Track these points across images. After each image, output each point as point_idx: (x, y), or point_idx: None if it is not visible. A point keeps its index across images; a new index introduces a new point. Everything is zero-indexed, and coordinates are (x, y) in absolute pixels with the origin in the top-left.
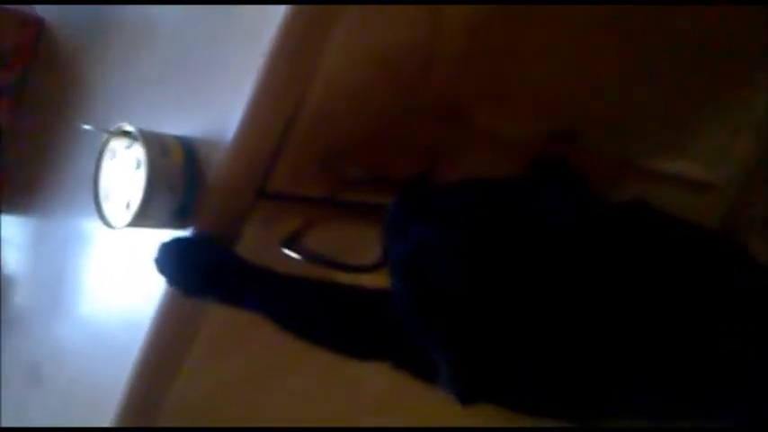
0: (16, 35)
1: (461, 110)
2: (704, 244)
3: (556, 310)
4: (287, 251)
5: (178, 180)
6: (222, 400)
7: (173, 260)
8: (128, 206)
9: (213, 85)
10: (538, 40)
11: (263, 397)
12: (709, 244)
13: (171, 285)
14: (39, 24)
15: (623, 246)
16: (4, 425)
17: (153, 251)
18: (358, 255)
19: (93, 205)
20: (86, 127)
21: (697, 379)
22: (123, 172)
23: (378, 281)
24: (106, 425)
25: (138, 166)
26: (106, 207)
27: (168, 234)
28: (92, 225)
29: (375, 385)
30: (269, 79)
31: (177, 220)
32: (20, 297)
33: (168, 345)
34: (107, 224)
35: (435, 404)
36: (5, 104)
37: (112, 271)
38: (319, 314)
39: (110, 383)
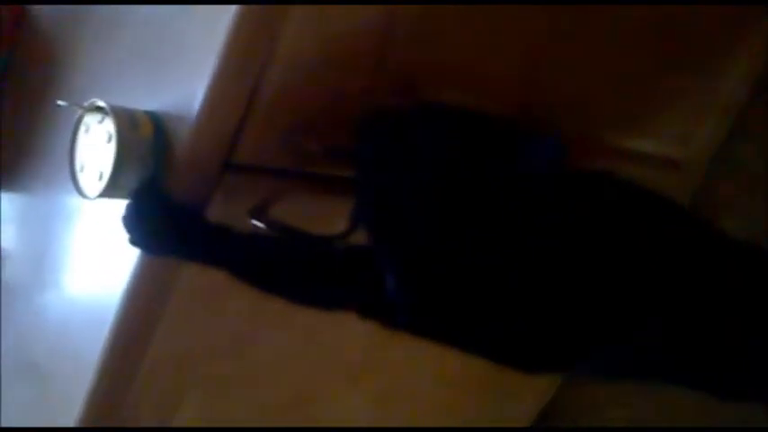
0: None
1: (418, 86)
2: (670, 214)
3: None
4: (254, 221)
5: (147, 152)
6: (193, 368)
7: (137, 215)
8: (100, 177)
9: (180, 64)
10: (493, 20)
11: (235, 366)
12: (673, 214)
13: (133, 244)
14: (20, 11)
15: (594, 215)
16: None
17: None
18: (324, 225)
19: (70, 176)
20: (61, 103)
21: (664, 343)
22: (96, 145)
23: None
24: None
25: (110, 139)
26: (81, 178)
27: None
28: (75, 199)
29: (352, 351)
30: (229, 58)
31: None
32: (9, 271)
33: (140, 308)
34: (82, 194)
35: (409, 371)
36: None
37: (94, 243)
38: (278, 263)
39: (91, 348)
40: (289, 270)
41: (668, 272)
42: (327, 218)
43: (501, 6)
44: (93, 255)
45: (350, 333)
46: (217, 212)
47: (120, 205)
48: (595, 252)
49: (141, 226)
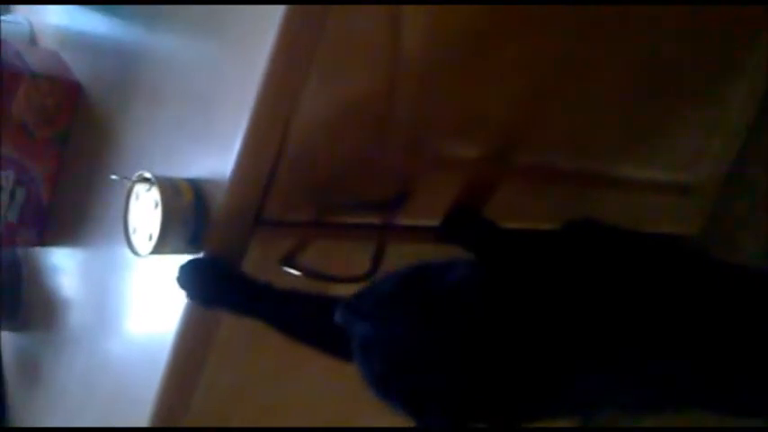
0: (56, 96)
1: (425, 140)
2: (651, 250)
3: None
4: (286, 268)
5: (189, 215)
6: (239, 400)
7: (189, 278)
8: (150, 238)
9: (215, 135)
10: (491, 69)
11: (276, 396)
12: (657, 249)
13: (190, 299)
14: (76, 86)
15: (569, 268)
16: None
17: (173, 272)
18: (348, 268)
19: (124, 238)
20: (114, 177)
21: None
22: (146, 211)
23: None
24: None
25: (156, 205)
26: (134, 239)
27: (185, 258)
28: (128, 254)
29: None
30: (254, 127)
31: (191, 247)
32: (73, 319)
33: (190, 349)
34: (135, 252)
35: None
36: (53, 154)
37: (146, 292)
38: (312, 321)
39: (148, 387)
40: (323, 330)
41: (660, 306)
42: (348, 259)
43: (501, 50)
44: (145, 303)
45: None
46: (251, 264)
47: (168, 261)
48: (599, 303)
49: (195, 286)
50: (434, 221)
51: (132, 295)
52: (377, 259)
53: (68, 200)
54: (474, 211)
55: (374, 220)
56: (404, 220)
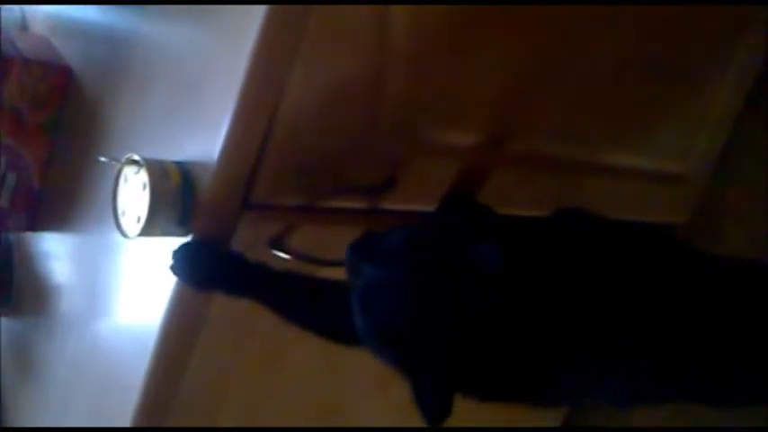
0: (48, 82)
1: (414, 125)
2: (638, 241)
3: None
4: (274, 251)
5: (177, 197)
6: (228, 383)
7: (184, 261)
8: (138, 220)
9: (203, 119)
10: (481, 55)
11: (264, 380)
12: (640, 240)
13: (184, 282)
14: (67, 72)
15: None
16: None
17: (166, 258)
18: (335, 251)
19: (113, 220)
20: (103, 159)
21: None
22: (134, 193)
23: None
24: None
25: (145, 187)
26: (123, 221)
27: (175, 241)
28: (118, 237)
29: (371, 365)
30: (241, 111)
31: (179, 230)
32: (65, 304)
33: (178, 333)
34: (124, 235)
35: None
36: (44, 139)
37: (136, 276)
38: (304, 302)
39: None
40: (315, 311)
41: (646, 295)
42: (336, 243)
43: (491, 36)
44: (135, 286)
45: None
46: (240, 245)
47: (157, 244)
48: (583, 288)
49: (189, 268)
50: (423, 207)
51: (122, 279)
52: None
53: (59, 185)
54: (470, 196)
55: (362, 204)
56: (392, 205)
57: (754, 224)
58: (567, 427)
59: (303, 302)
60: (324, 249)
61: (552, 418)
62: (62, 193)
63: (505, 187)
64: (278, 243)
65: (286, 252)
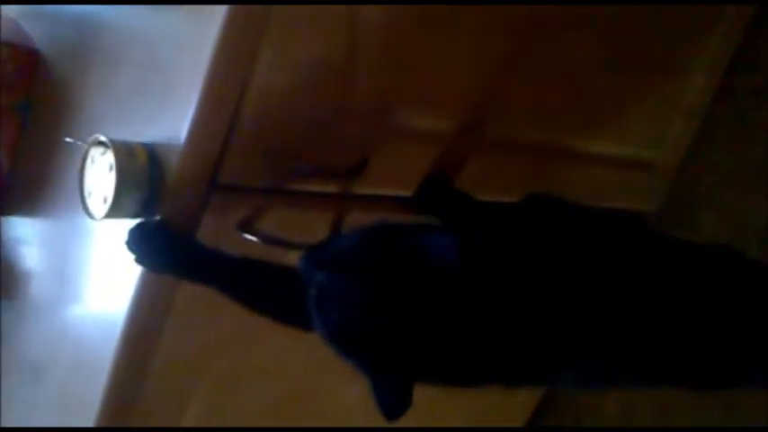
0: (16, 63)
1: (386, 109)
2: (609, 226)
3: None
4: (243, 234)
5: (143, 178)
6: (197, 367)
7: (137, 241)
8: (105, 201)
9: (170, 100)
10: (455, 41)
11: (234, 364)
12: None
13: (137, 263)
14: (35, 54)
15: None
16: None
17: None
18: (306, 236)
19: (80, 201)
20: (68, 140)
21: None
22: (101, 174)
23: None
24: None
25: (111, 168)
26: (89, 203)
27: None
28: (87, 221)
29: None
30: (209, 92)
31: (146, 212)
32: (34, 289)
33: (146, 316)
34: (90, 216)
35: None
36: (13, 122)
37: (104, 260)
38: (262, 288)
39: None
40: (271, 297)
41: (627, 280)
42: (307, 226)
43: (464, 23)
44: (104, 271)
45: None
46: (207, 229)
47: (124, 226)
48: (562, 271)
49: (142, 250)
50: (396, 191)
51: (90, 263)
52: (336, 228)
53: (29, 168)
54: (447, 181)
55: (334, 188)
56: (364, 189)
57: (728, 211)
58: (565, 427)
59: (260, 289)
60: (294, 233)
61: (524, 401)
62: (31, 177)
63: (478, 173)
64: (247, 226)
65: (255, 235)
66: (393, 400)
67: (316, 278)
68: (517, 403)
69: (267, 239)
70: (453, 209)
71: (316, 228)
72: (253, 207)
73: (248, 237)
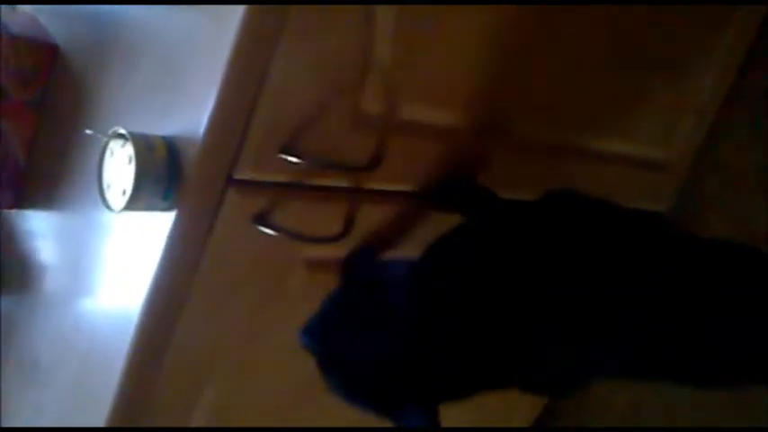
0: (34, 59)
1: (400, 106)
2: (628, 222)
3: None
4: (259, 227)
5: (162, 170)
6: (212, 359)
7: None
8: (123, 193)
9: (189, 94)
10: (467, 36)
11: (249, 354)
12: (626, 221)
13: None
14: (53, 49)
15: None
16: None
17: (149, 236)
18: (320, 229)
19: (98, 193)
20: (89, 132)
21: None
22: (120, 166)
23: (339, 250)
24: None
25: (130, 161)
26: (108, 195)
27: (158, 217)
28: (104, 214)
29: None
30: (227, 88)
31: (164, 204)
32: (49, 283)
33: (161, 309)
34: (109, 208)
35: None
36: (29, 117)
37: (119, 253)
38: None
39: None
40: None
41: (640, 276)
42: (321, 220)
43: (475, 23)
44: (119, 264)
45: None
46: (225, 221)
47: (140, 220)
48: (579, 268)
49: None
50: (410, 187)
51: (105, 256)
52: (348, 221)
53: (44, 162)
54: (472, 178)
55: (347, 183)
56: (378, 185)
57: (737, 212)
58: (564, 427)
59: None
60: (308, 227)
61: (529, 408)
62: (48, 171)
63: (490, 171)
64: (262, 218)
65: (270, 228)
66: (426, 427)
67: (311, 349)
68: (525, 401)
69: (282, 232)
70: (477, 205)
71: (329, 221)
72: (268, 200)
73: (264, 230)
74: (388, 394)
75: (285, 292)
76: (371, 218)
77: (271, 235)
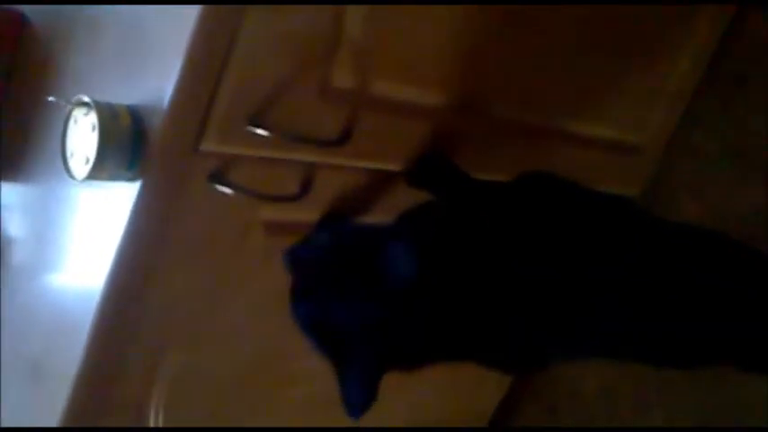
0: (1, 26)
1: (369, 82)
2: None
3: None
4: (215, 185)
5: (126, 140)
6: (177, 321)
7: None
8: (87, 161)
9: (154, 63)
10: (442, 18)
11: (213, 318)
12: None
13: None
14: (18, 18)
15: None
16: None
17: (112, 207)
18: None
19: (61, 162)
20: (51, 99)
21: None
22: (83, 134)
23: (297, 213)
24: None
25: (94, 129)
26: (71, 163)
27: (121, 187)
28: (69, 186)
29: None
30: (192, 57)
31: (128, 173)
32: (16, 256)
33: (126, 279)
34: (72, 177)
35: None
36: None
37: (85, 224)
38: None
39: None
40: None
41: (611, 256)
42: (281, 183)
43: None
44: (84, 236)
45: None
46: (193, 191)
47: (104, 191)
48: (555, 249)
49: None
50: (380, 165)
51: (71, 228)
52: (306, 183)
53: (11, 132)
54: (446, 158)
55: (315, 158)
56: (347, 161)
57: (709, 197)
58: (564, 427)
59: None
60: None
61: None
62: (15, 141)
63: (463, 152)
64: (218, 177)
65: (227, 186)
66: (359, 394)
67: (292, 273)
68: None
69: (239, 190)
70: (450, 185)
71: (288, 183)
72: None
73: (220, 188)
74: (345, 344)
75: (244, 255)
76: (331, 182)
77: (227, 194)
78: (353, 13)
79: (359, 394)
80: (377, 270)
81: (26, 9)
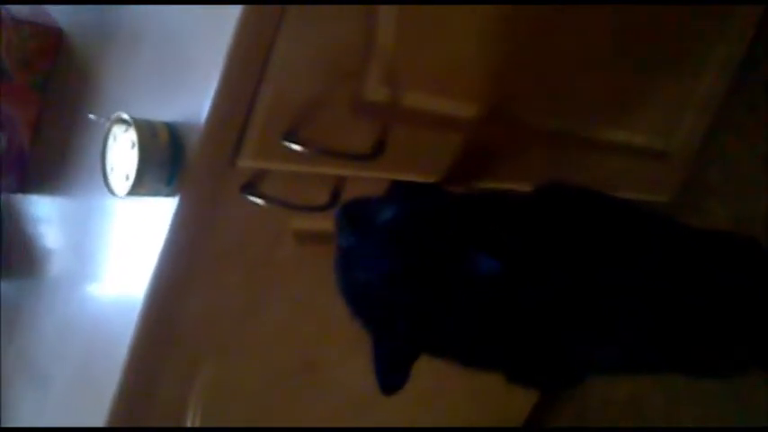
0: (38, 43)
1: (402, 94)
2: (623, 213)
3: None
4: (247, 196)
5: (165, 156)
6: (213, 331)
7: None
8: (127, 178)
9: (191, 79)
10: (473, 25)
11: (247, 326)
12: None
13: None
14: (57, 33)
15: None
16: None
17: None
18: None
19: (102, 178)
20: (92, 116)
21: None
22: (123, 151)
23: (327, 223)
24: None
25: (133, 146)
26: (111, 179)
27: (161, 202)
28: (108, 199)
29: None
30: (229, 73)
31: (167, 189)
32: (55, 268)
33: (166, 289)
34: (112, 193)
35: None
36: (34, 101)
37: (123, 238)
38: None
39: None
40: None
41: (629, 263)
42: (311, 193)
43: (480, 10)
44: (123, 249)
45: None
46: (229, 206)
47: (143, 205)
48: (576, 263)
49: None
50: (413, 177)
51: (109, 241)
52: (336, 193)
53: (49, 146)
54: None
55: (349, 171)
56: (381, 174)
57: (738, 203)
58: (564, 427)
59: None
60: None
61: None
62: (52, 155)
63: (494, 161)
64: (250, 188)
65: (259, 197)
66: (392, 372)
67: (348, 235)
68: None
69: (271, 200)
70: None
71: (317, 193)
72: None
73: (252, 198)
74: (385, 321)
75: (275, 264)
76: (360, 191)
77: (259, 204)
78: (385, 26)
79: (390, 375)
80: (445, 259)
81: (63, 24)
